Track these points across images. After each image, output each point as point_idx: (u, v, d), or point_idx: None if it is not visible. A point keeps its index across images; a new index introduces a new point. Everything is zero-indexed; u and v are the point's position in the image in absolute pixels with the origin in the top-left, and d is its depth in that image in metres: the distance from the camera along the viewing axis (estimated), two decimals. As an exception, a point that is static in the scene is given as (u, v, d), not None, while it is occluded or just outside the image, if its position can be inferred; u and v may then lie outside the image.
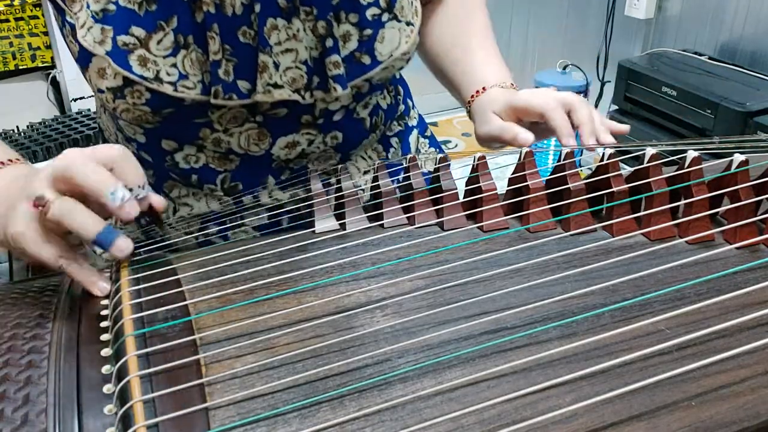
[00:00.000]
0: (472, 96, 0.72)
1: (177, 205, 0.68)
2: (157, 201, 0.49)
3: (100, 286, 0.46)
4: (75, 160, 0.44)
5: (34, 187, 0.44)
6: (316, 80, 0.59)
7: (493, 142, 0.68)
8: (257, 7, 0.55)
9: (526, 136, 0.63)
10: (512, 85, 0.71)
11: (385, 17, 0.61)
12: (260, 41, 0.56)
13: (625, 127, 0.66)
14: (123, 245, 0.45)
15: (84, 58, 0.56)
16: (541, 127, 0.65)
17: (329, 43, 0.58)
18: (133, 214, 0.45)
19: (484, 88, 0.71)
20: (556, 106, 0.62)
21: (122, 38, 0.54)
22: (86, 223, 0.43)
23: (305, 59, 0.58)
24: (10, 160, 0.53)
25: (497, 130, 0.66)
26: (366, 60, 0.61)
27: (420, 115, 0.83)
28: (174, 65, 0.56)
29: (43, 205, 0.43)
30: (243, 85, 0.57)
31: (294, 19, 0.57)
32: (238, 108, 0.60)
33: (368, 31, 0.60)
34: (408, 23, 0.62)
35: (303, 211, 0.67)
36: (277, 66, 0.57)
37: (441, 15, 0.78)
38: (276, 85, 0.58)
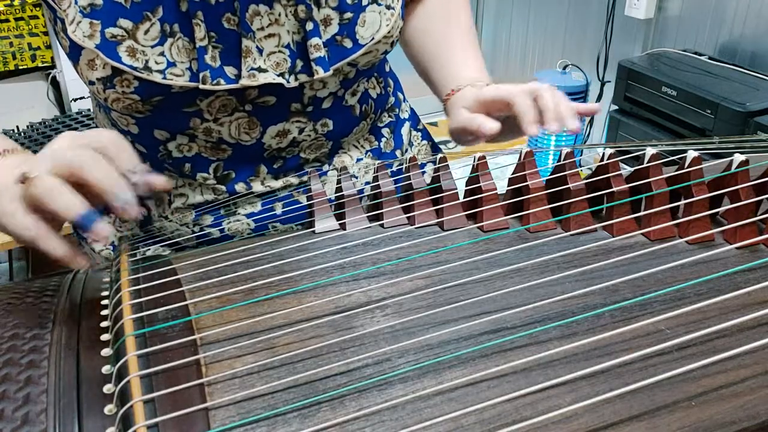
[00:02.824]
0: (448, 95, 0.73)
1: (173, 196, 0.68)
2: (160, 181, 0.48)
3: (78, 260, 0.45)
4: (78, 151, 0.44)
5: (25, 166, 0.44)
6: (300, 64, 0.60)
7: (462, 135, 0.69)
8: None
9: (490, 124, 0.63)
10: (487, 85, 0.72)
11: (365, 1, 0.62)
12: (243, 27, 0.57)
13: (595, 106, 0.66)
14: (101, 228, 0.43)
15: (74, 53, 0.57)
16: (511, 122, 0.65)
17: (310, 26, 0.59)
18: (133, 216, 0.45)
19: (459, 88, 0.72)
20: (521, 93, 0.62)
21: (110, 30, 0.55)
22: (69, 203, 0.43)
23: (288, 43, 0.60)
24: (9, 150, 0.52)
25: (463, 121, 0.66)
26: (348, 43, 0.62)
27: (412, 109, 0.84)
28: (162, 54, 0.57)
29: (26, 181, 0.43)
30: (229, 70, 0.59)
31: (275, 5, 0.58)
32: (227, 96, 0.60)
33: (348, 15, 0.61)
34: (388, 6, 0.63)
35: (299, 203, 0.68)
36: (260, 51, 0.59)
37: (423, 12, 0.79)
38: (260, 69, 0.59)
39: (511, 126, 0.66)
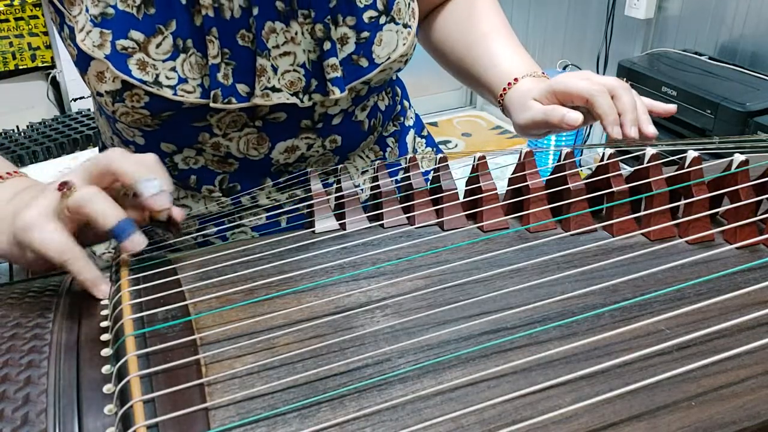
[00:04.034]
0: (504, 89, 0.70)
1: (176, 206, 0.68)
2: (178, 211, 0.48)
3: (102, 288, 0.45)
4: (111, 154, 0.45)
5: (63, 179, 0.44)
6: (315, 83, 0.59)
7: (536, 129, 0.66)
8: (255, 11, 0.55)
9: (574, 115, 0.61)
10: (543, 74, 0.71)
11: (382, 20, 0.61)
12: (258, 45, 0.56)
13: (670, 107, 0.63)
14: (138, 240, 0.44)
15: (83, 62, 0.56)
16: (581, 110, 0.63)
17: (327, 46, 0.58)
18: (165, 206, 0.45)
19: (516, 80, 0.69)
20: (600, 91, 0.60)
21: (121, 42, 0.54)
22: (107, 210, 0.43)
23: (303, 62, 0.58)
24: (10, 174, 0.52)
25: (541, 114, 0.64)
26: (363, 63, 0.61)
27: (417, 115, 0.83)
28: (173, 69, 0.55)
29: (68, 190, 0.43)
30: (242, 88, 0.57)
31: (292, 23, 0.57)
32: (237, 112, 0.59)
33: (365, 34, 0.60)
34: (405, 25, 0.62)
35: (302, 212, 0.67)
36: (275, 69, 0.57)
37: (453, 14, 0.77)
38: (274, 89, 0.58)
39: (584, 115, 0.64)
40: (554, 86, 0.64)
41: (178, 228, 0.49)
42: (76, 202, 0.43)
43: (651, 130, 0.60)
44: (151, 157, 0.47)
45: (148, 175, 0.45)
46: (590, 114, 0.63)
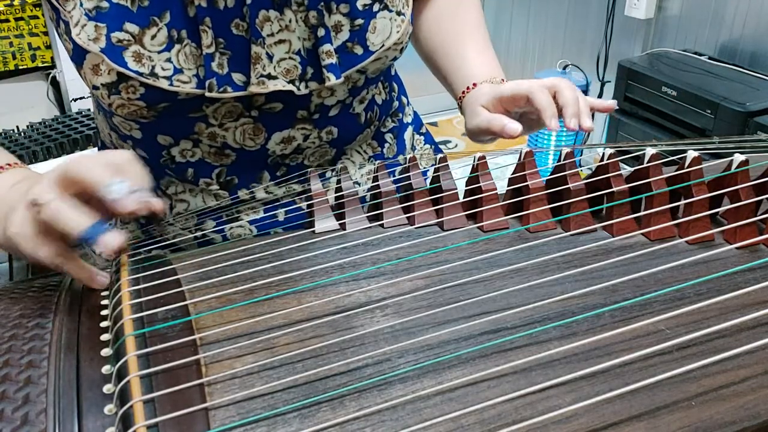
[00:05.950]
0: (463, 92, 0.72)
1: (174, 201, 0.68)
2: (158, 204, 0.48)
3: (99, 280, 0.47)
4: (79, 160, 0.45)
5: (34, 190, 0.44)
6: (310, 71, 0.60)
7: (482, 135, 0.68)
8: (249, 0, 0.55)
9: (514, 126, 0.63)
10: (502, 80, 0.72)
11: (375, 7, 0.61)
12: (253, 33, 0.57)
13: (610, 103, 0.66)
14: (109, 240, 0.43)
15: (78, 56, 0.56)
16: (529, 117, 0.65)
17: (321, 32, 0.58)
18: (128, 209, 0.44)
19: (474, 84, 0.71)
20: (540, 88, 0.62)
21: (116, 35, 0.54)
22: (73, 220, 0.43)
23: (298, 50, 0.59)
24: (9, 165, 0.53)
25: (485, 122, 0.66)
26: (358, 50, 0.61)
27: (415, 113, 0.84)
28: (169, 60, 0.56)
29: (37, 206, 0.43)
30: (237, 77, 0.58)
31: (286, 10, 0.57)
32: (233, 102, 0.60)
33: (359, 21, 0.60)
34: (399, 13, 0.63)
35: (301, 209, 0.68)
36: (270, 57, 0.58)
37: (433, 10, 0.78)
38: (270, 76, 0.58)
39: (528, 122, 0.66)
40: (499, 92, 0.66)
41: (157, 216, 0.48)
42: (46, 218, 0.43)
43: (588, 123, 0.61)
44: (122, 155, 0.47)
45: (112, 179, 0.44)
46: (538, 122, 0.64)
